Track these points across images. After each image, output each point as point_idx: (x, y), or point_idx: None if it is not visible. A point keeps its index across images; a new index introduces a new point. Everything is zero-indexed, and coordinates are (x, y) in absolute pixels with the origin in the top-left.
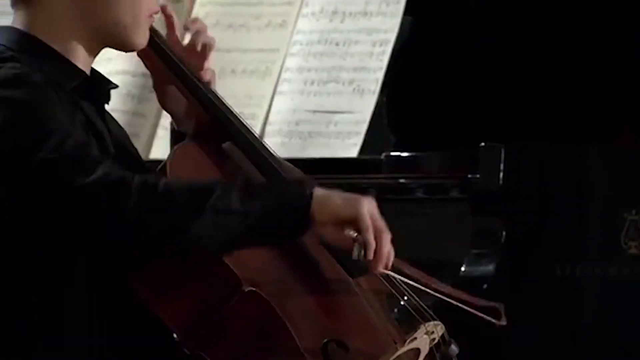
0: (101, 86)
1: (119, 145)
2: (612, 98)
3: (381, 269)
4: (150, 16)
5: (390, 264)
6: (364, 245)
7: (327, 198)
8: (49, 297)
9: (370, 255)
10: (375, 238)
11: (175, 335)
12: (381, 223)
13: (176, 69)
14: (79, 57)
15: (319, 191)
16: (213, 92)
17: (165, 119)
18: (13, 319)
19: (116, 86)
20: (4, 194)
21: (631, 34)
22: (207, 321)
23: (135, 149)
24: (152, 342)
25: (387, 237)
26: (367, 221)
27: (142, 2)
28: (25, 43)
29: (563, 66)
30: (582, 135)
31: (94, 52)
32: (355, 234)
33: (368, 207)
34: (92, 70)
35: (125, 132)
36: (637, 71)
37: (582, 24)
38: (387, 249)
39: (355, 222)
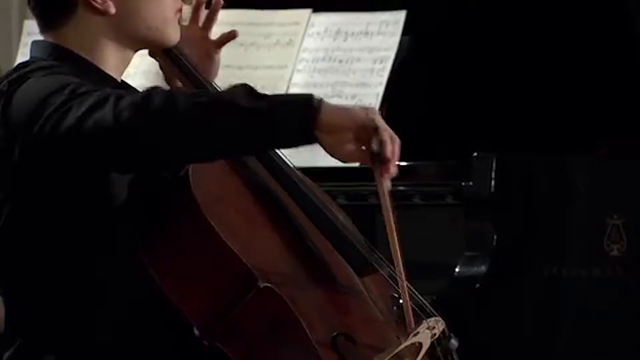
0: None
1: None
2: (593, 114)
3: (393, 169)
4: (177, 12)
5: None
6: (381, 142)
7: (337, 105)
8: (80, 278)
9: (387, 152)
10: (391, 139)
11: (195, 329)
12: (391, 131)
13: (187, 72)
14: (110, 66)
15: (329, 103)
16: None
17: None
18: (43, 293)
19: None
20: (44, 155)
21: (608, 60)
22: (225, 315)
23: None
24: (174, 334)
25: (398, 142)
26: (381, 122)
27: (167, 3)
28: (59, 53)
29: (549, 86)
30: (567, 147)
31: (126, 60)
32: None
33: (377, 113)
34: (122, 81)
35: None
36: (614, 92)
37: (563, 51)
38: (398, 152)
39: (371, 123)
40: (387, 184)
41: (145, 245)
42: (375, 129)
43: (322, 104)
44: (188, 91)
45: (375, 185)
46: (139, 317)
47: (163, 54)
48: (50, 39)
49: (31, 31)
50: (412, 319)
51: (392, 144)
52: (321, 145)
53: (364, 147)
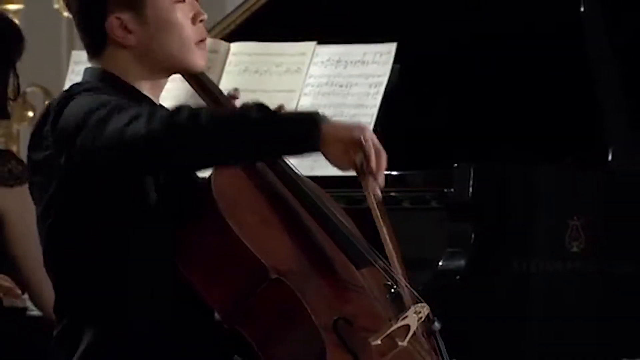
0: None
1: None
2: (558, 131)
3: (380, 179)
4: (200, 42)
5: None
6: (367, 155)
7: (338, 121)
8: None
9: (373, 164)
10: (376, 152)
11: (216, 314)
12: (380, 146)
13: (213, 97)
14: (146, 90)
15: (331, 119)
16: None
17: None
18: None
19: None
20: (86, 165)
21: (571, 87)
22: (242, 302)
23: None
24: (199, 320)
25: (384, 154)
26: (372, 138)
27: (186, 32)
28: (104, 77)
29: (520, 106)
30: (535, 158)
31: (159, 85)
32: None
33: (368, 130)
34: (160, 105)
35: None
36: (576, 112)
37: (533, 79)
38: (384, 164)
39: (357, 138)
40: (376, 193)
41: (175, 243)
42: (361, 144)
43: (324, 119)
44: (210, 108)
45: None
46: (169, 303)
47: (190, 78)
48: (97, 65)
49: (77, 60)
50: (410, 301)
51: (376, 158)
52: (322, 153)
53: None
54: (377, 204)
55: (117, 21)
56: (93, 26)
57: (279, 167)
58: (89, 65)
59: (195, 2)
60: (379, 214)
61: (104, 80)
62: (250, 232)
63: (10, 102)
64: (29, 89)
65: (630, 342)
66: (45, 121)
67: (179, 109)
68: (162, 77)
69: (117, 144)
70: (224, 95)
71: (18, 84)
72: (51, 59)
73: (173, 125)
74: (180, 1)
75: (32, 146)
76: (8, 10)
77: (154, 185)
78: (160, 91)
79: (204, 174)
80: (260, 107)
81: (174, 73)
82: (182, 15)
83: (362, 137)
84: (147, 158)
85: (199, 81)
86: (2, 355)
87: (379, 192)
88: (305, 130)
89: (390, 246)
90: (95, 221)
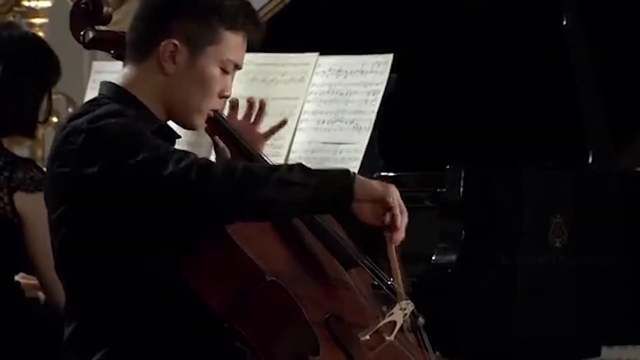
0: (172, 132)
1: None
2: (542, 136)
3: (401, 238)
4: (211, 109)
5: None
6: (393, 216)
7: (366, 180)
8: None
9: (398, 224)
10: (401, 211)
11: (216, 314)
12: (403, 206)
13: (234, 140)
14: (159, 112)
15: (360, 177)
16: (259, 154)
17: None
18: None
19: (179, 136)
20: (117, 189)
21: (554, 96)
22: (240, 303)
23: None
24: (202, 319)
25: (406, 214)
26: (397, 199)
27: (210, 97)
28: (120, 96)
29: (508, 113)
30: (520, 161)
31: (164, 117)
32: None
33: (395, 192)
34: (166, 124)
35: None
36: (558, 120)
37: (521, 89)
38: (406, 222)
39: (387, 199)
40: (394, 249)
41: (182, 253)
42: (389, 205)
43: (355, 180)
44: (256, 166)
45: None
46: (175, 305)
47: (216, 127)
48: (117, 80)
49: (98, 70)
50: (402, 292)
51: (401, 217)
52: (351, 210)
53: (381, 217)
54: (396, 258)
55: (172, 46)
56: (149, 37)
57: None
58: (108, 75)
59: (231, 81)
60: (396, 259)
61: (120, 100)
62: (247, 238)
63: (40, 124)
64: (53, 97)
65: (608, 330)
66: (68, 140)
67: (229, 167)
68: (165, 114)
69: (173, 184)
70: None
71: (50, 108)
72: (73, 69)
73: (224, 182)
74: (225, 73)
75: (55, 159)
76: (34, 24)
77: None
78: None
79: None
80: (299, 169)
81: (174, 120)
82: (218, 83)
83: (390, 199)
84: (190, 207)
85: (220, 126)
86: (26, 342)
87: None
88: (341, 193)
89: (400, 281)
90: (106, 235)
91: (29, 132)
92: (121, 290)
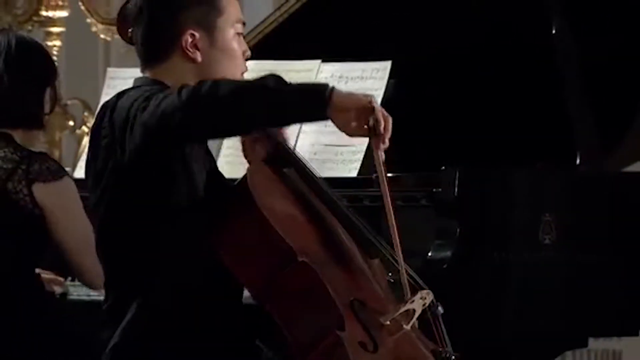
0: None
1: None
2: (532, 140)
3: (387, 142)
4: (243, 75)
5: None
6: (376, 120)
7: (346, 92)
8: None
9: (381, 129)
10: (384, 117)
11: (248, 292)
12: (386, 113)
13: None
14: None
15: (340, 89)
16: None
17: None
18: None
19: None
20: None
21: (544, 103)
22: (271, 282)
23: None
24: (232, 294)
25: (390, 119)
26: (378, 104)
27: (240, 62)
28: (154, 84)
29: (500, 118)
30: (512, 162)
31: None
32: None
33: (374, 99)
34: None
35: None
36: (547, 125)
37: (512, 96)
38: (390, 127)
39: (368, 104)
40: (381, 155)
41: (215, 231)
42: (372, 109)
43: (334, 90)
44: (230, 79)
45: (367, 192)
46: (201, 286)
47: None
48: (149, 74)
49: (112, 76)
50: (408, 290)
51: (385, 121)
52: (332, 121)
53: (365, 125)
54: (382, 164)
55: (191, 37)
56: (167, 36)
57: (302, 170)
58: (122, 81)
59: (243, 40)
60: (383, 170)
61: (154, 85)
62: (281, 220)
63: (47, 115)
64: (70, 102)
65: (595, 323)
66: (102, 118)
67: (200, 82)
68: None
69: (154, 116)
70: None
71: (55, 99)
72: (89, 75)
73: (197, 96)
74: (239, 34)
75: (92, 139)
76: (52, 32)
77: (199, 178)
78: None
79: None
80: (275, 77)
81: None
82: (238, 47)
83: (371, 103)
84: (178, 125)
85: None
86: (46, 336)
87: (383, 154)
88: (317, 97)
89: (392, 210)
90: (141, 214)
91: (37, 123)
92: (153, 267)
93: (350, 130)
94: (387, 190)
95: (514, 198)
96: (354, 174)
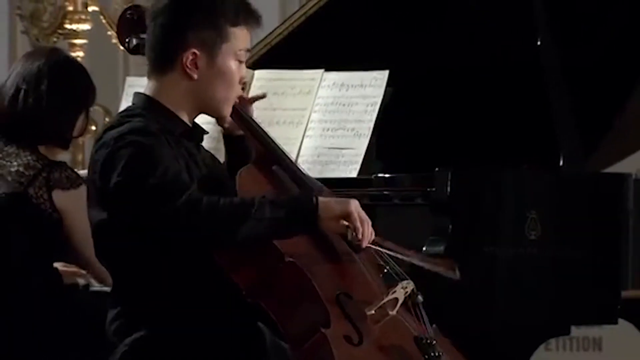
0: (198, 132)
1: (209, 165)
2: (518, 143)
3: (366, 244)
4: (235, 99)
5: (371, 241)
6: (355, 229)
7: (327, 202)
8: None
9: (360, 236)
10: (361, 224)
11: (242, 290)
12: (364, 215)
13: (248, 125)
14: (185, 115)
15: (322, 199)
16: (267, 134)
17: None
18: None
19: (207, 132)
20: (127, 205)
21: (530, 110)
22: (263, 281)
23: (221, 164)
24: (228, 293)
25: (369, 223)
26: (355, 214)
27: (234, 87)
28: (149, 105)
29: (489, 124)
30: (500, 164)
31: (194, 115)
32: (347, 224)
33: (354, 205)
34: (194, 122)
35: (213, 155)
36: (531, 129)
37: (499, 105)
38: (369, 231)
39: (347, 215)
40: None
41: None
42: (349, 219)
43: (319, 204)
44: (229, 203)
45: (366, 192)
46: (205, 287)
47: (237, 117)
48: (147, 90)
49: (131, 84)
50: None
51: (362, 227)
52: (320, 227)
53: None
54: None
55: (192, 55)
56: (171, 52)
57: (291, 170)
58: (139, 89)
59: (244, 66)
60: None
61: (148, 109)
62: None
63: (75, 138)
64: (91, 109)
65: (576, 312)
66: (98, 151)
67: (200, 201)
68: (198, 111)
69: (159, 218)
70: (259, 126)
71: (85, 126)
72: (110, 83)
73: (198, 219)
74: (240, 63)
75: (90, 166)
76: (75, 44)
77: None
78: (192, 121)
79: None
80: (271, 204)
81: (206, 113)
82: (237, 73)
83: (348, 214)
84: (185, 240)
85: (240, 116)
86: (68, 324)
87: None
88: (307, 219)
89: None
90: (129, 235)
91: (64, 144)
92: (157, 279)
93: (336, 232)
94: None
95: (502, 197)
96: (354, 174)
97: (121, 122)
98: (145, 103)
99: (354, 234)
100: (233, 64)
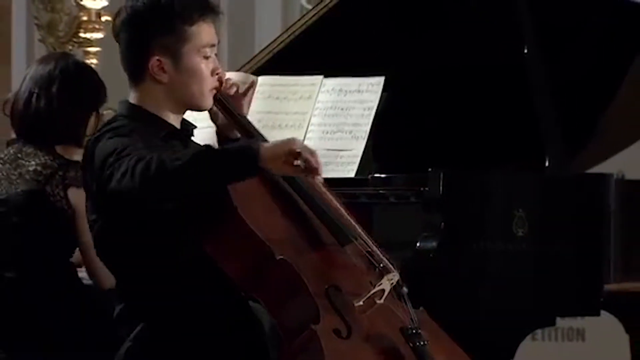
0: (184, 129)
1: None
2: (506, 146)
3: (321, 170)
4: (212, 90)
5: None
6: (305, 161)
7: (269, 144)
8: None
9: (312, 164)
10: (311, 154)
11: (236, 284)
12: (309, 146)
13: (232, 114)
14: (169, 117)
15: (264, 143)
16: (249, 121)
17: None
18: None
19: (195, 126)
20: (107, 201)
21: (518, 115)
22: (256, 275)
23: None
24: (224, 287)
25: (317, 153)
26: (300, 146)
27: (205, 81)
28: (132, 111)
29: (479, 127)
30: (489, 165)
31: (179, 113)
32: (296, 162)
33: (296, 140)
34: (182, 119)
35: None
36: (519, 133)
37: (489, 111)
38: (319, 160)
39: (291, 148)
40: (319, 179)
41: (202, 234)
42: (296, 151)
43: (260, 146)
44: (172, 155)
45: (363, 191)
46: (201, 283)
47: (220, 107)
48: (130, 98)
49: None
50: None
51: (312, 157)
52: (269, 170)
53: (295, 164)
54: (324, 184)
55: (157, 62)
56: (137, 62)
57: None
58: None
59: (215, 59)
60: (326, 190)
61: (130, 115)
62: (259, 223)
63: (86, 136)
64: (105, 112)
65: (561, 304)
66: (83, 155)
67: (149, 160)
68: (181, 109)
69: (116, 187)
70: (244, 117)
71: (97, 125)
72: (121, 88)
73: (148, 175)
74: (206, 58)
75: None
76: (89, 52)
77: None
78: (180, 118)
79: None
80: (209, 149)
81: (190, 109)
82: (205, 68)
83: (294, 146)
84: (133, 197)
85: (222, 103)
86: (87, 319)
87: (320, 179)
88: (247, 158)
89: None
90: (123, 231)
91: (77, 142)
92: (153, 274)
93: (286, 173)
94: (331, 197)
95: (491, 196)
96: (351, 174)
97: (101, 128)
98: (127, 110)
99: (302, 164)
100: (199, 61)
